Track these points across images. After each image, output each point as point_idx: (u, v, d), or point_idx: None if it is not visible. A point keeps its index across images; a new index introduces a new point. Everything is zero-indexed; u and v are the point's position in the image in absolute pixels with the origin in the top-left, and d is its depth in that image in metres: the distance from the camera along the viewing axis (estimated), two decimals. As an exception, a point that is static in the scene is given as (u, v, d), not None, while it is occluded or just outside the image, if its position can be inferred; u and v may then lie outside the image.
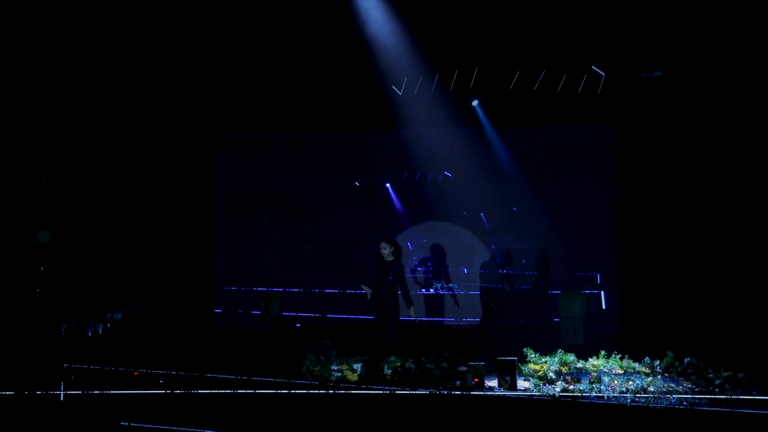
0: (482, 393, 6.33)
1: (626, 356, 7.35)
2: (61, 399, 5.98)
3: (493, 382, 6.65)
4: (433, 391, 6.30)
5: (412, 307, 7.78)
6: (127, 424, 5.33)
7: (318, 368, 6.85)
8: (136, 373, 6.67)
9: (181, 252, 10.16)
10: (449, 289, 10.67)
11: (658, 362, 7.18)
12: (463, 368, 6.79)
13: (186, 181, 10.37)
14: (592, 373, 6.71)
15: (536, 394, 6.31)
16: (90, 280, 9.25)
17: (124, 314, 8.53)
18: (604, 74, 9.36)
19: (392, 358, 7.05)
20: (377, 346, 7.70)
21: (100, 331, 8.15)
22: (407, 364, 6.92)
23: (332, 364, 6.91)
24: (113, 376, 6.43)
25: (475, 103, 10.37)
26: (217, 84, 9.90)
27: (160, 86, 9.74)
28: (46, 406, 5.92)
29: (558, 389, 6.35)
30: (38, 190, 9.07)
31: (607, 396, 6.13)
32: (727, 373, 6.59)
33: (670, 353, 7.24)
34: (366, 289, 7.89)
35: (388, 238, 7.92)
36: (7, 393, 5.99)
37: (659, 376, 6.81)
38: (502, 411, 5.98)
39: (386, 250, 7.69)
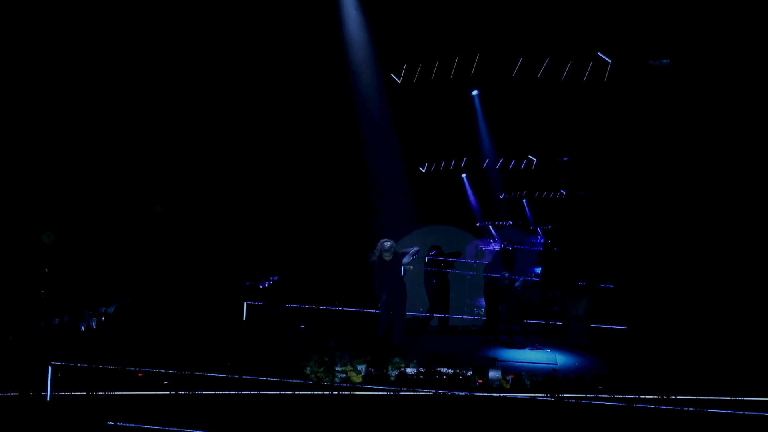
0: (485, 394, 6.36)
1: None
2: (48, 397, 5.96)
3: (496, 374, 6.71)
4: (437, 391, 6.34)
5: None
6: (113, 423, 5.29)
7: (322, 369, 6.88)
8: (140, 374, 6.68)
9: (179, 248, 10.15)
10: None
11: None
12: (467, 369, 6.83)
13: (186, 176, 10.35)
14: None
15: (538, 395, 6.37)
16: (88, 276, 9.26)
17: (116, 309, 8.51)
18: (610, 61, 9.32)
19: (396, 359, 7.09)
20: (380, 346, 7.74)
21: (94, 326, 8.15)
22: (411, 366, 6.96)
23: (336, 365, 6.94)
24: (104, 375, 6.35)
25: (474, 93, 10.32)
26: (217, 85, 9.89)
27: (153, 87, 9.71)
28: (34, 404, 5.89)
29: None
30: (40, 188, 9.05)
31: None
32: None
33: None
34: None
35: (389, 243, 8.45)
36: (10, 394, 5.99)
37: None
38: (504, 411, 6.02)
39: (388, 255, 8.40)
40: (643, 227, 10.07)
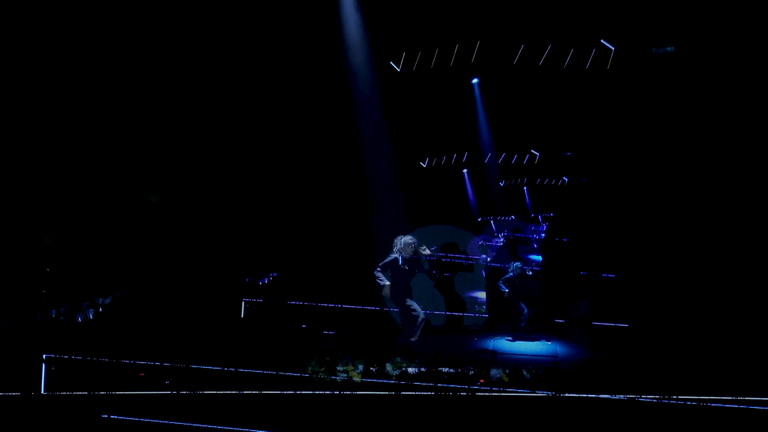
0: (486, 393, 6.37)
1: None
2: (42, 391, 5.95)
3: (497, 372, 6.72)
4: (440, 386, 6.35)
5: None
6: (107, 416, 5.28)
7: (323, 369, 6.88)
8: (141, 374, 6.67)
9: (178, 242, 10.12)
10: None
11: None
12: (469, 369, 6.83)
13: (187, 171, 10.29)
14: None
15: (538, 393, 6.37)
16: (86, 268, 9.25)
17: (112, 300, 8.51)
18: (613, 49, 9.21)
19: (398, 359, 7.07)
20: (381, 346, 7.74)
21: (91, 317, 8.15)
22: (412, 365, 6.95)
23: (338, 365, 6.93)
24: (99, 368, 6.29)
25: (475, 81, 10.21)
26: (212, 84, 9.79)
27: (151, 84, 9.61)
28: (27, 399, 5.89)
29: None
30: (37, 179, 9.00)
31: None
32: None
33: None
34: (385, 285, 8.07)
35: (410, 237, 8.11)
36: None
37: None
38: (505, 407, 6.03)
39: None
40: (647, 217, 10.00)
